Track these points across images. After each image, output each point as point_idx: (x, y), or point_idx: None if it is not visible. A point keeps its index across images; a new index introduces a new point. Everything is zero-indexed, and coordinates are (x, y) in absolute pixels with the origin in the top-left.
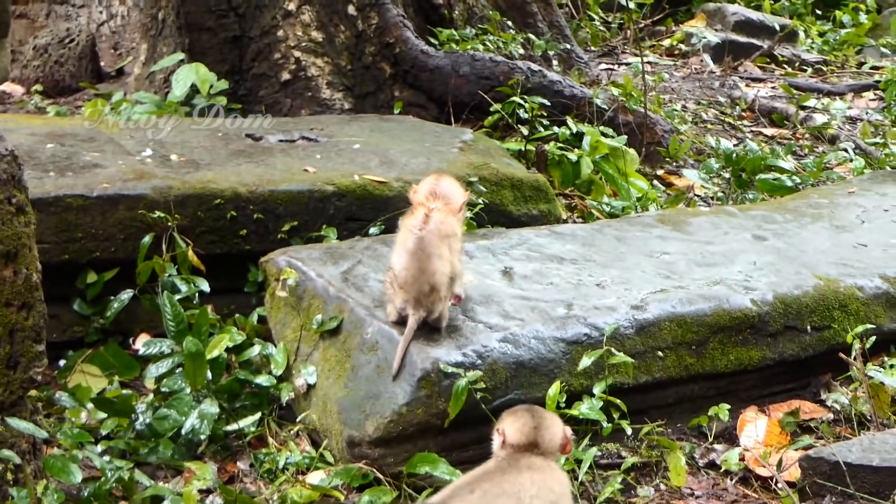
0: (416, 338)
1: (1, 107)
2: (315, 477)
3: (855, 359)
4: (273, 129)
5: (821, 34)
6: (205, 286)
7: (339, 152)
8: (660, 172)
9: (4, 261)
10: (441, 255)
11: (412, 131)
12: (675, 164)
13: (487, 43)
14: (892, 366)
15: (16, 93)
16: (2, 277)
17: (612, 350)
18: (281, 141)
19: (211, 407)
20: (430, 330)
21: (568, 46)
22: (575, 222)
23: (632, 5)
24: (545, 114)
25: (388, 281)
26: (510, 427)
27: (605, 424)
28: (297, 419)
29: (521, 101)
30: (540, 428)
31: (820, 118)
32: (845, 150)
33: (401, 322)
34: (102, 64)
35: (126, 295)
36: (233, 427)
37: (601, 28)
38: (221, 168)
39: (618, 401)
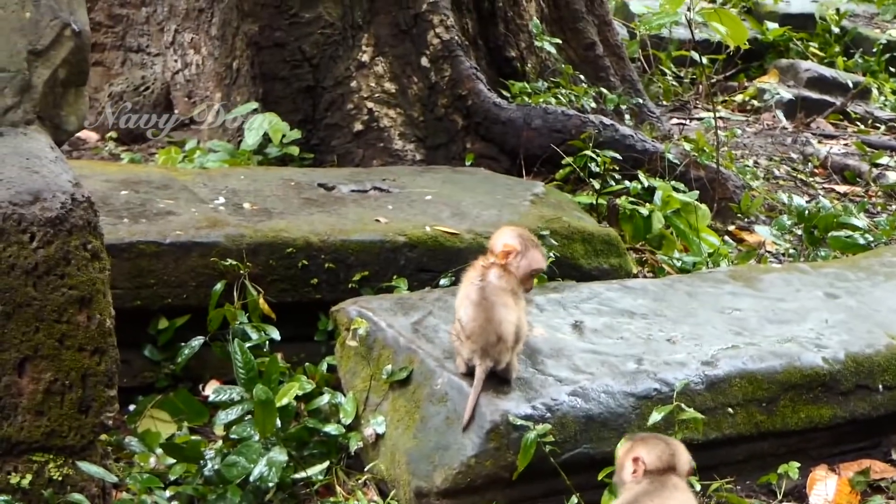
0: (485, 389)
1: (77, 153)
2: None
3: None
4: (345, 179)
5: (894, 91)
6: (275, 334)
7: (411, 203)
8: (731, 228)
9: (79, 306)
10: (506, 304)
11: (484, 183)
12: (746, 220)
13: (559, 96)
14: None
15: (91, 139)
16: (76, 322)
17: (682, 406)
18: (353, 191)
19: (279, 455)
20: (499, 382)
21: (640, 101)
22: (646, 277)
23: (704, 60)
24: (616, 168)
25: (454, 332)
26: (649, 454)
27: None
28: (366, 468)
29: (593, 155)
30: (676, 453)
31: (893, 176)
32: None
33: (469, 373)
34: (177, 112)
35: (197, 342)
36: (301, 475)
37: (673, 83)
38: (293, 217)
39: None
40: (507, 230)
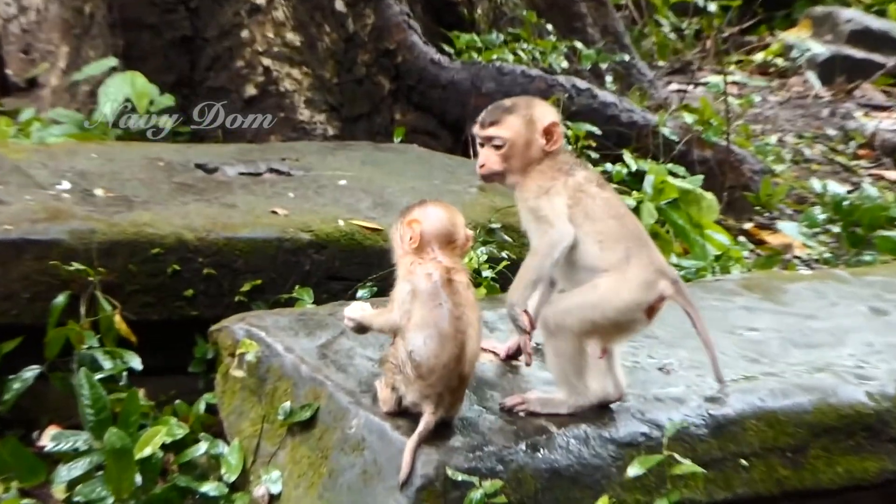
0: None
1: None
2: None
3: None
4: (233, 158)
5: None
6: (135, 363)
7: (320, 190)
8: (747, 226)
9: None
10: (479, 332)
11: (417, 165)
12: (767, 214)
13: (519, 52)
14: None
15: None
16: None
17: (677, 456)
18: (243, 174)
19: None
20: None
21: (627, 58)
22: None
23: (713, 7)
24: (594, 145)
25: (393, 363)
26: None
27: None
28: None
29: (562, 129)
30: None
31: None
32: None
33: (401, 414)
34: (9, 72)
35: (30, 373)
36: None
37: (671, 36)
38: (162, 207)
39: None
40: (434, 209)
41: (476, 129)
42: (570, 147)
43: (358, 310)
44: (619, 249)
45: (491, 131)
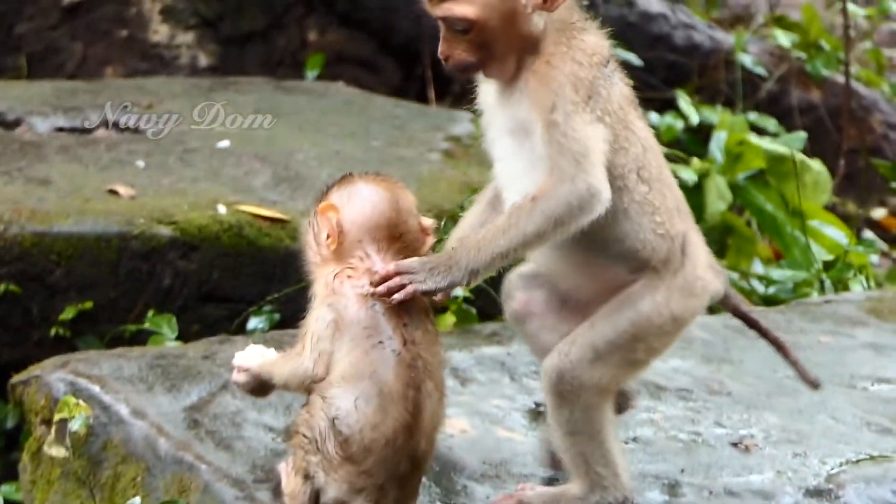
0: None
1: None
2: None
3: None
4: (45, 103)
5: None
6: None
7: (187, 157)
8: (877, 213)
9: None
10: (443, 393)
11: (345, 115)
12: None
13: None
14: None
15: None
16: None
17: None
18: (61, 130)
19: None
20: None
21: None
22: None
23: None
24: (631, 83)
25: (306, 435)
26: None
27: None
28: None
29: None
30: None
31: None
32: None
33: None
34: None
35: None
36: None
37: None
38: None
39: None
40: (366, 187)
41: (424, 2)
42: None
43: (255, 356)
44: (676, 232)
45: (445, 9)
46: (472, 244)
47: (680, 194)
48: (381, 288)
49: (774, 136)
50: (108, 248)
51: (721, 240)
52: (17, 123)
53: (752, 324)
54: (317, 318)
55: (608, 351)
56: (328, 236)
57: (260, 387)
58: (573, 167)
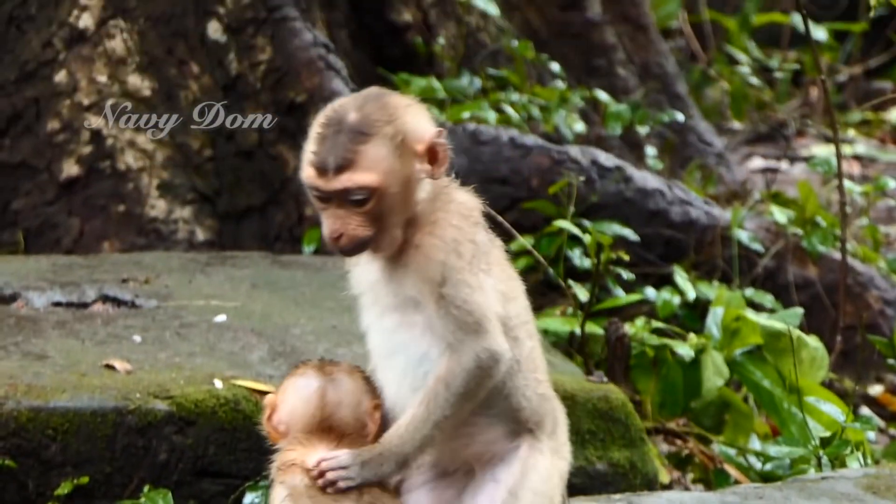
0: None
1: None
2: None
3: None
4: (42, 279)
5: None
6: None
7: (184, 331)
8: (875, 390)
9: None
10: None
11: (342, 289)
12: None
13: (506, 107)
14: None
15: None
16: None
17: None
18: (58, 304)
19: None
20: None
21: (681, 118)
22: (689, 489)
23: (821, 35)
24: (627, 258)
25: None
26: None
27: None
28: None
29: (577, 231)
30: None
31: None
32: None
33: None
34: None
35: None
36: None
37: (753, 81)
38: None
39: None
40: (303, 377)
41: (312, 180)
42: (587, 261)
43: None
44: (552, 393)
45: (345, 180)
46: (396, 436)
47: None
48: (319, 482)
49: (771, 312)
50: (104, 423)
51: (718, 415)
52: (13, 298)
53: None
54: (276, 495)
55: None
56: (269, 420)
57: None
58: (472, 338)
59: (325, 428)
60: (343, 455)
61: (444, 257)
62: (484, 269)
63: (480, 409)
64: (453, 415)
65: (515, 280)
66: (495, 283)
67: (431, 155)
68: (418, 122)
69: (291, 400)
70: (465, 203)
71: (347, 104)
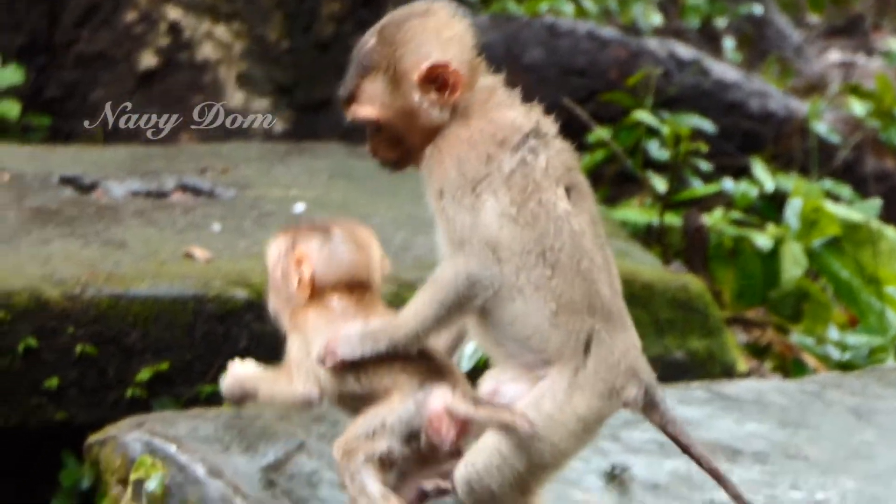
0: None
1: None
2: None
3: None
4: (120, 168)
5: None
6: None
7: (263, 220)
8: None
9: None
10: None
11: (418, 179)
12: None
13: (583, 0)
14: None
15: None
16: None
17: None
18: (137, 194)
19: None
20: None
21: (759, 10)
22: (765, 377)
23: None
24: (705, 149)
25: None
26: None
27: None
28: None
29: (654, 122)
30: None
31: None
32: None
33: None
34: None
35: None
36: None
37: None
38: (8, 248)
39: None
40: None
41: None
42: (665, 153)
43: (247, 369)
44: (579, 327)
45: (352, 112)
46: (391, 321)
47: (601, 290)
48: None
49: (849, 203)
50: (184, 311)
51: (796, 305)
52: (93, 187)
53: (683, 447)
54: (299, 347)
55: (514, 455)
56: (300, 283)
57: (242, 397)
58: (456, 255)
59: (358, 286)
60: (351, 331)
61: (444, 172)
62: (492, 191)
63: (495, 331)
64: (436, 318)
65: (548, 209)
66: (504, 208)
67: (436, 82)
68: (420, 51)
69: (332, 259)
70: (500, 122)
71: (374, 28)
